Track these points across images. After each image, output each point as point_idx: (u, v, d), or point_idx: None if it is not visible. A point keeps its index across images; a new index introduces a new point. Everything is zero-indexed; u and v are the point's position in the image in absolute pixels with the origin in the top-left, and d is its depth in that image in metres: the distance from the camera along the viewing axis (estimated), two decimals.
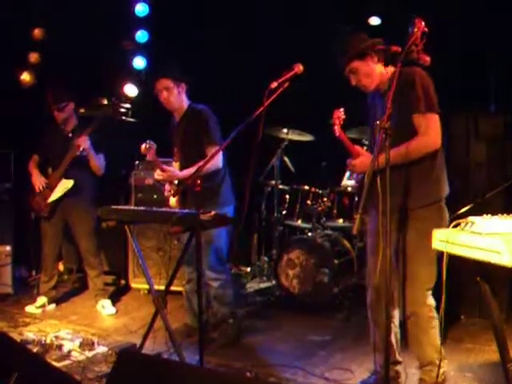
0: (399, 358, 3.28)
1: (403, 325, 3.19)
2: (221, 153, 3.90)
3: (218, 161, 3.95)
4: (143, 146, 3.94)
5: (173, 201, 4.06)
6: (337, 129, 3.26)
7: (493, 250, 2.23)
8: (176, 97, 4.07)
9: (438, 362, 3.00)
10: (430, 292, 3.07)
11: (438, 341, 3.08)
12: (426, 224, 2.87)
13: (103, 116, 4.89)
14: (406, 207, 3.03)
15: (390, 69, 3.10)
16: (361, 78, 3.12)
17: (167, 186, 4.08)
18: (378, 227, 2.68)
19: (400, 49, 2.90)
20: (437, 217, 3.00)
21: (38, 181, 4.95)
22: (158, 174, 4.02)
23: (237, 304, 4.32)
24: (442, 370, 3.08)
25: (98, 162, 4.91)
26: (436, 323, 3.07)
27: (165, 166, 4.01)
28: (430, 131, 2.97)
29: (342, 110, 3.30)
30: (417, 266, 3.01)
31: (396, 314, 3.23)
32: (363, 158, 3.11)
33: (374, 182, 2.68)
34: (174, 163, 4.27)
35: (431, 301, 3.08)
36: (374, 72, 3.11)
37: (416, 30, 2.74)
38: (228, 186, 4.15)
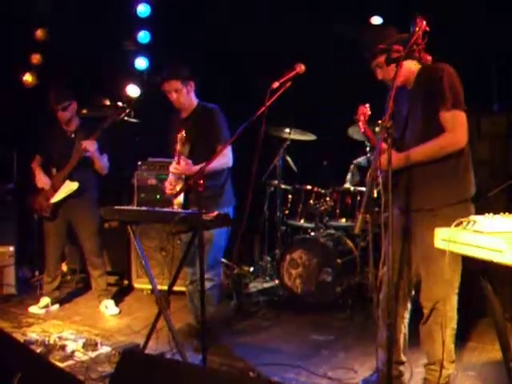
0: (403, 358, 3.27)
1: (418, 324, 3.17)
2: (230, 150, 3.92)
3: (228, 158, 3.98)
4: (179, 135, 3.86)
5: (178, 200, 4.04)
6: (361, 125, 3.23)
7: (495, 249, 2.22)
8: (185, 97, 4.07)
9: (444, 363, 2.99)
10: (456, 291, 3.04)
11: (451, 343, 3.06)
12: (451, 223, 2.66)
13: (112, 122, 4.83)
14: (432, 206, 2.99)
15: (416, 65, 3.04)
16: (387, 73, 3.05)
17: (167, 184, 4.06)
18: (401, 226, 2.59)
19: (401, 48, 2.89)
20: (463, 216, 2.86)
21: (42, 181, 4.94)
22: (173, 168, 3.99)
23: (222, 307, 4.30)
24: (447, 372, 3.07)
25: (102, 163, 4.91)
26: (454, 325, 3.04)
27: (183, 157, 3.97)
28: (456, 128, 2.92)
29: (367, 105, 3.27)
30: (441, 265, 2.89)
31: (407, 315, 3.22)
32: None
33: (397, 181, 2.64)
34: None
35: (454, 302, 3.04)
36: (401, 67, 3.07)
37: (417, 29, 2.73)
38: (230, 186, 4.16)
